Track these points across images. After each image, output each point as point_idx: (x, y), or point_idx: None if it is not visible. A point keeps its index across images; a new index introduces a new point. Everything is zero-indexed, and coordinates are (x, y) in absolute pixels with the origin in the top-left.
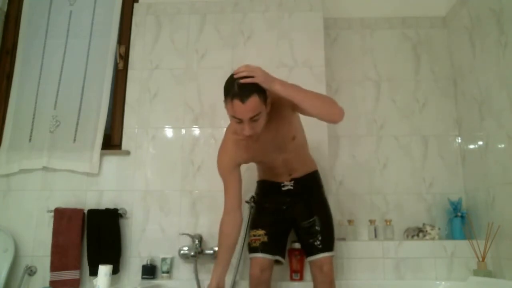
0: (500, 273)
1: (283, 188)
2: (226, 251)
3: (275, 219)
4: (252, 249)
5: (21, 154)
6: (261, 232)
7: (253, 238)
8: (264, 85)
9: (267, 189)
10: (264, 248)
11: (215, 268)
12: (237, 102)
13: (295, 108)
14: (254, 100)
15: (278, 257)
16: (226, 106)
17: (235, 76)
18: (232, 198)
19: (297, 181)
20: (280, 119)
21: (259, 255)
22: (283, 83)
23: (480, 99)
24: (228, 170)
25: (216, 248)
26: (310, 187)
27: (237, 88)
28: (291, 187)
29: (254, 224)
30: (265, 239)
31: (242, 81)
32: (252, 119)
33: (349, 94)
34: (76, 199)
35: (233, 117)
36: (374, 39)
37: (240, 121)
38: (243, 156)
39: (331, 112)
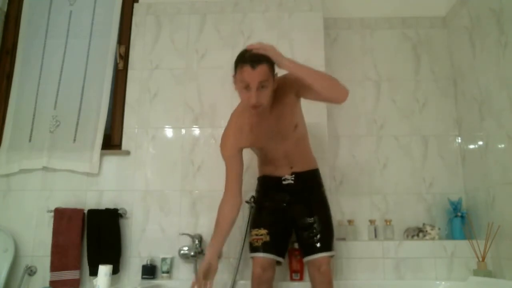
0: (500, 273)
1: (284, 182)
2: (222, 231)
3: (276, 218)
4: (254, 249)
5: (21, 154)
6: (263, 231)
7: (255, 237)
8: (274, 58)
9: (267, 185)
10: (266, 247)
11: (210, 246)
12: (247, 68)
13: (299, 94)
14: (263, 68)
15: (279, 258)
16: (235, 76)
17: (247, 48)
18: (234, 181)
19: (298, 175)
20: (284, 105)
21: (260, 254)
22: (292, 60)
23: (480, 99)
24: (231, 153)
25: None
26: (311, 186)
27: (248, 56)
28: (292, 181)
29: (255, 223)
30: (267, 238)
31: (254, 51)
32: (260, 86)
33: (349, 94)
34: (76, 199)
35: (241, 82)
36: (374, 39)
37: (248, 88)
38: (246, 140)
39: (337, 91)
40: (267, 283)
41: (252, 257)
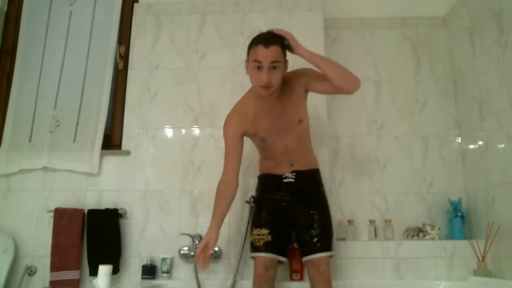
0: (500, 273)
1: (284, 180)
2: (223, 210)
3: (276, 218)
4: (255, 249)
5: (21, 154)
6: (265, 231)
7: (256, 237)
8: (292, 43)
9: (268, 183)
10: (267, 247)
11: (212, 220)
12: (260, 47)
13: (308, 87)
14: (276, 49)
15: (281, 258)
16: (248, 56)
17: (268, 31)
18: (233, 163)
19: (298, 174)
20: (291, 97)
21: (262, 254)
22: (306, 49)
23: (480, 99)
24: (233, 136)
25: (216, 248)
26: (312, 185)
27: (264, 36)
28: (292, 180)
29: (256, 223)
30: (269, 238)
31: (268, 34)
32: (272, 66)
33: (349, 94)
34: (76, 199)
35: (254, 62)
36: (374, 39)
37: (260, 67)
38: (249, 126)
39: (350, 80)
40: (269, 283)
41: (254, 257)
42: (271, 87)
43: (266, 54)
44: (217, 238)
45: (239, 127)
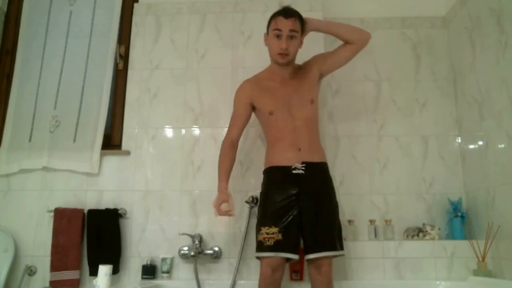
0: (500, 273)
1: (294, 172)
2: (228, 169)
3: (285, 214)
4: (264, 248)
5: (21, 154)
6: (274, 229)
7: (266, 236)
8: (305, 19)
9: (275, 176)
10: (278, 247)
11: (221, 182)
12: (281, 17)
13: (323, 67)
14: (294, 20)
15: (292, 256)
16: (268, 27)
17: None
18: (238, 126)
19: (308, 166)
20: (306, 76)
21: (271, 254)
22: (317, 19)
23: (480, 99)
24: (241, 103)
25: (216, 248)
26: (321, 180)
27: (284, 8)
28: (302, 171)
29: (263, 221)
30: (279, 237)
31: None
32: (290, 34)
33: (349, 94)
34: (76, 199)
35: (273, 31)
36: (374, 39)
37: (280, 35)
38: (259, 96)
39: (360, 33)
40: (275, 285)
41: (261, 257)
42: (288, 55)
43: (286, 23)
44: (228, 196)
45: (249, 95)
